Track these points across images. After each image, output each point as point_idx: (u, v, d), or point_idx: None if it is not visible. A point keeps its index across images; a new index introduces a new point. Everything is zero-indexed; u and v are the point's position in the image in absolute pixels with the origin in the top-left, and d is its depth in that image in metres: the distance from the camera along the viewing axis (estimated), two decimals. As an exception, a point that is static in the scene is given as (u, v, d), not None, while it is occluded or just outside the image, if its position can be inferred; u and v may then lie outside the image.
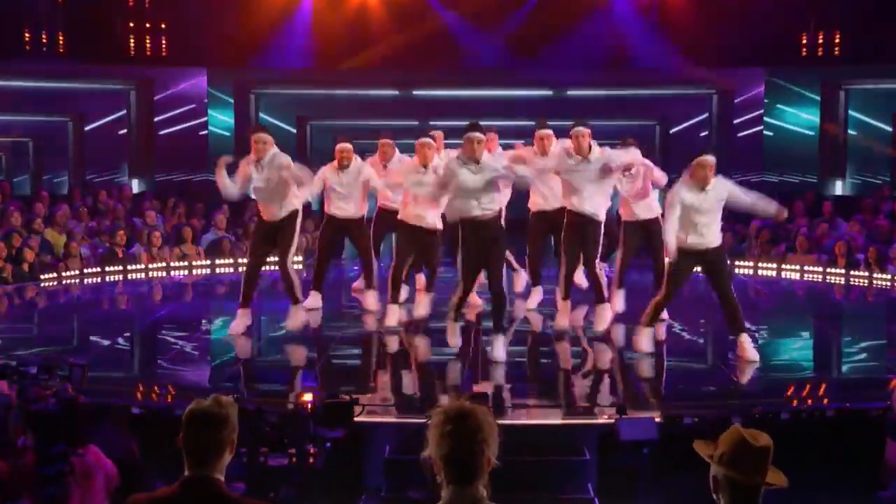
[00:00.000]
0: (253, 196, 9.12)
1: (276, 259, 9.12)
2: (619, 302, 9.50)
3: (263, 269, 9.61)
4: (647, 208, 9.46)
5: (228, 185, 8.89)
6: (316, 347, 9.08)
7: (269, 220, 8.95)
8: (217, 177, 8.91)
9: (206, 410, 3.31)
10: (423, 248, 9.30)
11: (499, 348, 8.06)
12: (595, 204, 8.84)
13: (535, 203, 9.77)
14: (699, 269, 8.39)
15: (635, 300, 9.35)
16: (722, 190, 8.13)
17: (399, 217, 9.34)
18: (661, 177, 9.29)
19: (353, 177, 9.60)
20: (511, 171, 8.24)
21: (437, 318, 9.19)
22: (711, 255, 8.18)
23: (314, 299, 9.90)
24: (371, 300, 9.93)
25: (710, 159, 8.10)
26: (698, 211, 8.05)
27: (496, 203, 8.18)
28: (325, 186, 9.68)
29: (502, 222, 8.69)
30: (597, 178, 8.78)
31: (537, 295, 10.10)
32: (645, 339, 8.33)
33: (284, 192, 8.83)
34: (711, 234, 8.14)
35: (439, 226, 9.18)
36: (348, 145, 9.66)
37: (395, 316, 9.23)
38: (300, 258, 12.56)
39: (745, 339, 8.15)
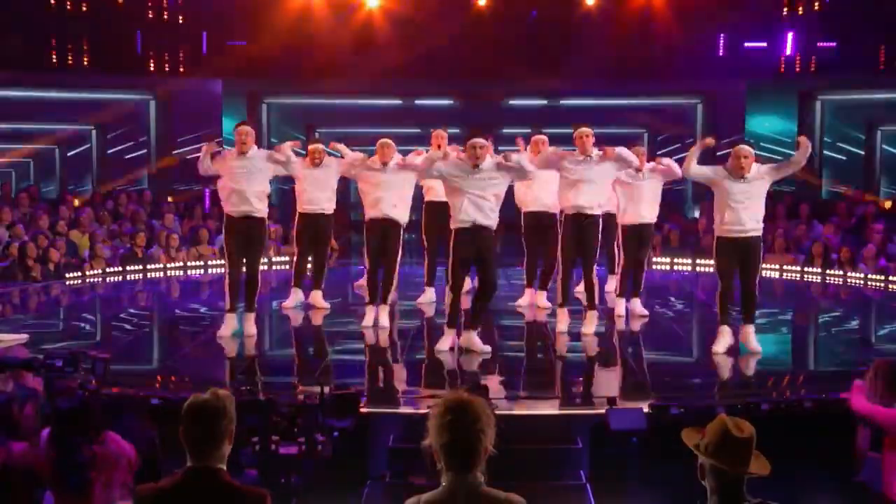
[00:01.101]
0: (231, 186, 8.56)
1: (247, 262, 8.65)
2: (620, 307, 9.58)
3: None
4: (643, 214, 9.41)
5: (207, 164, 8.66)
6: (324, 342, 9.07)
7: (240, 217, 8.56)
8: (202, 151, 8.71)
9: (204, 403, 3.33)
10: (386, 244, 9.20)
11: (476, 341, 8.02)
12: (593, 202, 8.70)
13: (527, 203, 9.75)
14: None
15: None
16: (760, 179, 7.91)
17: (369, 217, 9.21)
18: (673, 168, 9.29)
19: (325, 172, 9.60)
20: (510, 160, 8.10)
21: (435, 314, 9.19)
22: (749, 245, 7.97)
23: (295, 296, 9.94)
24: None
25: (746, 149, 7.93)
26: (736, 199, 7.87)
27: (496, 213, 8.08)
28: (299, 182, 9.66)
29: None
30: (599, 177, 8.69)
31: (529, 296, 10.08)
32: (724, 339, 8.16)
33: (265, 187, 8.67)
34: (751, 223, 7.94)
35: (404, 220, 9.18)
36: (321, 146, 9.69)
37: (371, 316, 9.12)
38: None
39: (750, 329, 8.13)
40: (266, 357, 8.55)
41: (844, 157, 17.16)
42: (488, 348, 8.12)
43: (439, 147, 9.36)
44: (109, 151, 17.62)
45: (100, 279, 12.93)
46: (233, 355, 8.51)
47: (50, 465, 4.47)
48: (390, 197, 9.10)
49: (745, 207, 7.89)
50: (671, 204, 14.68)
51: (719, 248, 8.08)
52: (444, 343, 8.13)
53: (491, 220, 7.99)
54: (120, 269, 13.20)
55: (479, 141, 7.94)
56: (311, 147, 9.74)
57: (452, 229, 8.03)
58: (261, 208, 8.58)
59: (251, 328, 8.67)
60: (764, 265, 13.38)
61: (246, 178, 8.50)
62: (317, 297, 10.01)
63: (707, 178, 8.15)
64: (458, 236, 7.98)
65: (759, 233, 8.07)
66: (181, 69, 17.29)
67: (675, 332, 9.52)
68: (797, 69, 16.88)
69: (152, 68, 17.17)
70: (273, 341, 9.38)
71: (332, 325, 9.57)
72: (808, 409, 6.50)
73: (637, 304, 9.69)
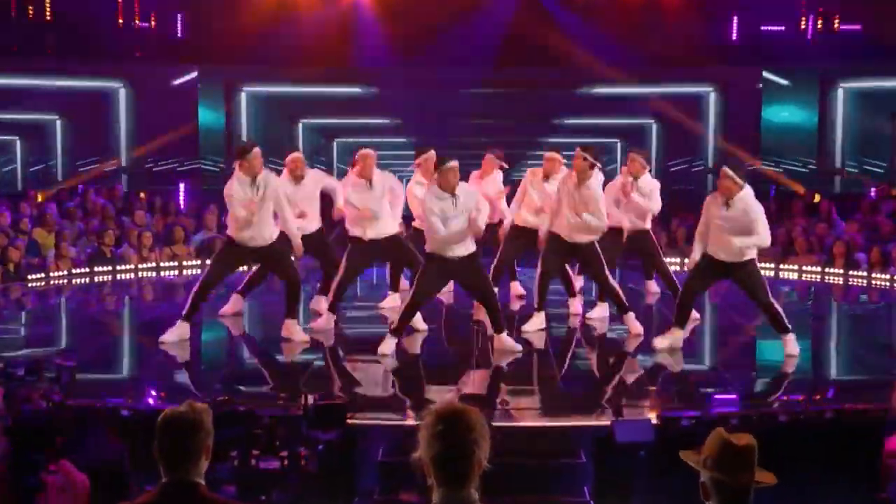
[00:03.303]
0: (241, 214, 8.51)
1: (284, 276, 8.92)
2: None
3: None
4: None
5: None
6: (308, 350, 9.07)
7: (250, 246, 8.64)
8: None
9: (180, 416, 3.36)
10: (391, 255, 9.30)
11: (508, 341, 8.38)
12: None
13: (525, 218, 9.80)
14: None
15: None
16: (744, 207, 7.97)
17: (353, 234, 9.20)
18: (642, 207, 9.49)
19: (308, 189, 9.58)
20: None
21: (426, 319, 9.20)
22: (736, 271, 8.17)
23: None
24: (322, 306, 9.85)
25: (726, 170, 8.01)
26: (719, 224, 8.02)
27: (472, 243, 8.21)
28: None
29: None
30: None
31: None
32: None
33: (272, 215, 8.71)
34: (732, 251, 8.04)
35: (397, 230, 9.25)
36: (300, 155, 9.69)
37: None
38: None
39: (790, 337, 8.35)
40: (246, 365, 8.55)
41: (868, 150, 17.20)
42: (519, 347, 8.43)
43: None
44: (76, 143, 17.60)
45: (65, 281, 12.91)
46: (210, 363, 8.52)
47: (2, 485, 4.45)
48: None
49: (727, 236, 8.00)
50: (679, 202, 14.72)
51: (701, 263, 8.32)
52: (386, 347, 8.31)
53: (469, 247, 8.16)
54: (87, 269, 13.17)
55: (453, 164, 8.03)
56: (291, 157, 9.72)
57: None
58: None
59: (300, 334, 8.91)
60: (783, 266, 13.49)
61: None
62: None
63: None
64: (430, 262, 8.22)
65: (743, 258, 8.10)
66: (154, 54, 17.28)
67: (686, 338, 9.53)
68: (817, 54, 16.91)
69: (122, 53, 17.15)
70: (255, 349, 9.38)
71: (321, 333, 9.57)
72: (829, 420, 6.51)
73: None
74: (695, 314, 9.09)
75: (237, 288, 9.88)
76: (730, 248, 8.02)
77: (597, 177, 8.88)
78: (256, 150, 8.54)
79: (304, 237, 9.06)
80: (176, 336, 8.70)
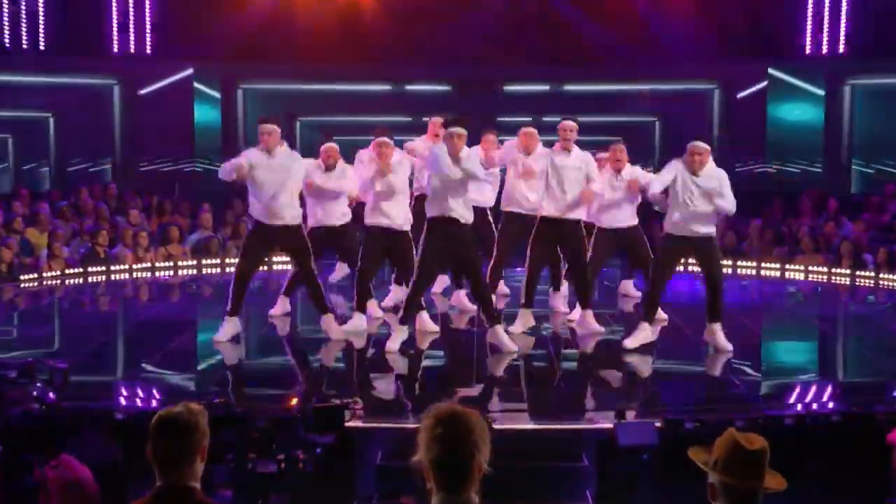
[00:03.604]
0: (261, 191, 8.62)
1: (300, 268, 8.96)
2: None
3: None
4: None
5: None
6: (306, 351, 9.07)
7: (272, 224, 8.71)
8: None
9: (175, 417, 3.35)
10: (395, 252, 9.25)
11: (505, 338, 8.40)
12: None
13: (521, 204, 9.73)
14: (692, 259, 8.77)
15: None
16: (714, 180, 8.33)
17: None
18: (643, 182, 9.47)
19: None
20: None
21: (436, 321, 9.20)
22: (701, 244, 8.40)
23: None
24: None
25: (700, 145, 8.35)
26: (690, 193, 8.28)
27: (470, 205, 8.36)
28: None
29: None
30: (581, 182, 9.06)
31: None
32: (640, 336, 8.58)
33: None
34: (700, 222, 8.33)
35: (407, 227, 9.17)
36: (334, 145, 9.67)
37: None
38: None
39: (718, 327, 8.53)
40: (243, 366, 8.55)
41: (877, 150, 17.18)
42: (516, 347, 8.44)
43: (436, 136, 9.44)
44: (69, 141, 17.60)
45: (58, 281, 12.91)
46: (206, 364, 8.52)
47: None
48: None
49: (695, 208, 8.30)
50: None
51: (667, 245, 8.58)
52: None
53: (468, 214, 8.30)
54: (81, 270, 13.17)
55: (457, 130, 8.16)
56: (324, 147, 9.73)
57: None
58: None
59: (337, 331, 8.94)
60: (789, 266, 13.49)
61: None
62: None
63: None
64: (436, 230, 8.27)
65: (710, 231, 8.51)
66: (148, 50, 17.28)
67: (690, 339, 9.53)
68: (825, 50, 16.91)
69: (116, 49, 17.15)
70: (251, 350, 9.38)
71: (316, 333, 9.57)
72: (836, 424, 6.51)
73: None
74: (662, 314, 9.36)
75: (281, 290, 10.00)
76: (705, 216, 8.35)
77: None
78: (266, 126, 8.57)
79: (328, 229, 9.50)
80: (228, 334, 8.76)
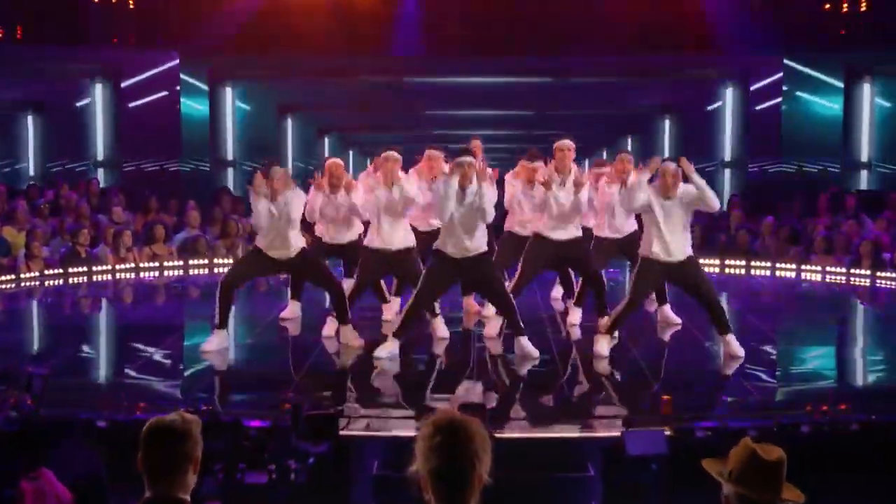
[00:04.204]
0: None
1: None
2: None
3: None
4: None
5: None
6: (299, 356, 9.07)
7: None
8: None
9: (166, 425, 3.37)
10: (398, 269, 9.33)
11: (526, 346, 8.52)
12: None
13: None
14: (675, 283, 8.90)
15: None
16: (687, 196, 8.43)
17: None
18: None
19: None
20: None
21: (427, 325, 9.21)
22: (681, 269, 8.52)
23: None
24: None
25: (671, 166, 8.46)
26: (664, 218, 8.39)
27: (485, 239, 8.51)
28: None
29: None
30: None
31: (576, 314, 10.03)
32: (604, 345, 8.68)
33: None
34: (678, 247, 8.46)
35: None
36: (339, 162, 9.65)
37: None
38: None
39: (730, 338, 8.57)
40: (232, 372, 8.55)
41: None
42: (536, 352, 8.53)
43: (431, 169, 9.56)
44: (49, 135, 17.61)
45: (37, 283, 12.91)
46: (193, 370, 8.52)
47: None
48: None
49: (670, 231, 8.45)
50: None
51: (646, 268, 8.63)
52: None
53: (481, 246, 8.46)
54: (61, 270, 13.18)
55: (467, 160, 8.25)
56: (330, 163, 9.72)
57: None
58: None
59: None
60: (805, 266, 13.50)
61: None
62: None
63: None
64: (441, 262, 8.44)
65: (688, 254, 8.62)
66: (131, 41, 17.28)
67: (702, 344, 9.54)
68: (844, 40, 16.91)
69: (98, 38, 17.16)
70: (241, 355, 9.38)
71: (309, 337, 9.58)
72: (855, 432, 6.51)
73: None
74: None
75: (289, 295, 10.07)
76: (683, 239, 8.52)
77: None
78: (276, 169, 8.74)
79: (337, 246, 9.59)
80: (216, 345, 8.79)
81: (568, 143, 9.24)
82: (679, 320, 9.90)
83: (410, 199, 8.89)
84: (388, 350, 8.44)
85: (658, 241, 8.47)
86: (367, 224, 9.39)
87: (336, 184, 9.37)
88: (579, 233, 9.36)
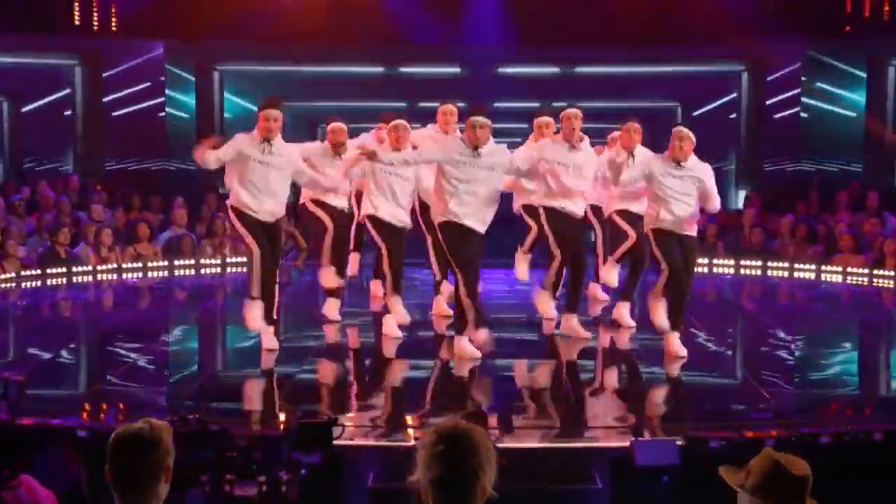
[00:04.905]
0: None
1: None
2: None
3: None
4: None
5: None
6: (291, 361, 9.07)
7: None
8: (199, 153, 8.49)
9: (133, 434, 3.36)
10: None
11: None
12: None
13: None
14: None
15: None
16: (700, 173, 8.51)
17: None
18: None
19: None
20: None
21: (425, 327, 9.22)
22: (680, 243, 8.57)
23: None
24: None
25: (685, 130, 8.53)
26: (672, 188, 8.46)
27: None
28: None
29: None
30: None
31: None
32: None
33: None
34: (686, 221, 8.55)
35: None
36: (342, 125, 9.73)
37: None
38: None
39: (675, 336, 8.63)
40: (220, 379, 8.56)
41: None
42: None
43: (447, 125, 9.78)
44: (25, 127, 17.60)
45: (13, 284, 12.91)
46: (178, 376, 8.53)
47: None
48: None
49: (679, 204, 8.52)
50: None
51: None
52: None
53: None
54: (39, 271, 13.18)
55: (480, 120, 8.26)
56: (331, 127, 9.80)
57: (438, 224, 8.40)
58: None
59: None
60: (825, 267, 13.50)
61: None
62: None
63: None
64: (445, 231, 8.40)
65: (694, 230, 8.83)
66: (113, 27, 17.27)
67: (715, 349, 9.56)
68: (866, 27, 16.89)
69: (78, 24, 17.13)
70: (230, 360, 9.40)
71: (303, 341, 9.60)
72: (879, 443, 6.52)
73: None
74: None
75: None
76: (690, 214, 8.58)
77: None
78: (269, 112, 8.57)
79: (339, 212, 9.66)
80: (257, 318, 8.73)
81: (575, 111, 9.18)
82: (633, 323, 9.85)
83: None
84: (482, 337, 8.50)
85: (665, 211, 8.52)
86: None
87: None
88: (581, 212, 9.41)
